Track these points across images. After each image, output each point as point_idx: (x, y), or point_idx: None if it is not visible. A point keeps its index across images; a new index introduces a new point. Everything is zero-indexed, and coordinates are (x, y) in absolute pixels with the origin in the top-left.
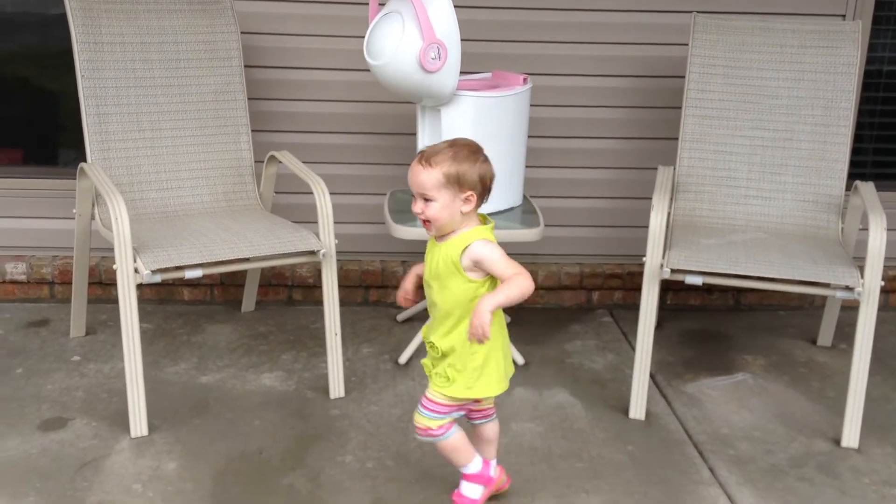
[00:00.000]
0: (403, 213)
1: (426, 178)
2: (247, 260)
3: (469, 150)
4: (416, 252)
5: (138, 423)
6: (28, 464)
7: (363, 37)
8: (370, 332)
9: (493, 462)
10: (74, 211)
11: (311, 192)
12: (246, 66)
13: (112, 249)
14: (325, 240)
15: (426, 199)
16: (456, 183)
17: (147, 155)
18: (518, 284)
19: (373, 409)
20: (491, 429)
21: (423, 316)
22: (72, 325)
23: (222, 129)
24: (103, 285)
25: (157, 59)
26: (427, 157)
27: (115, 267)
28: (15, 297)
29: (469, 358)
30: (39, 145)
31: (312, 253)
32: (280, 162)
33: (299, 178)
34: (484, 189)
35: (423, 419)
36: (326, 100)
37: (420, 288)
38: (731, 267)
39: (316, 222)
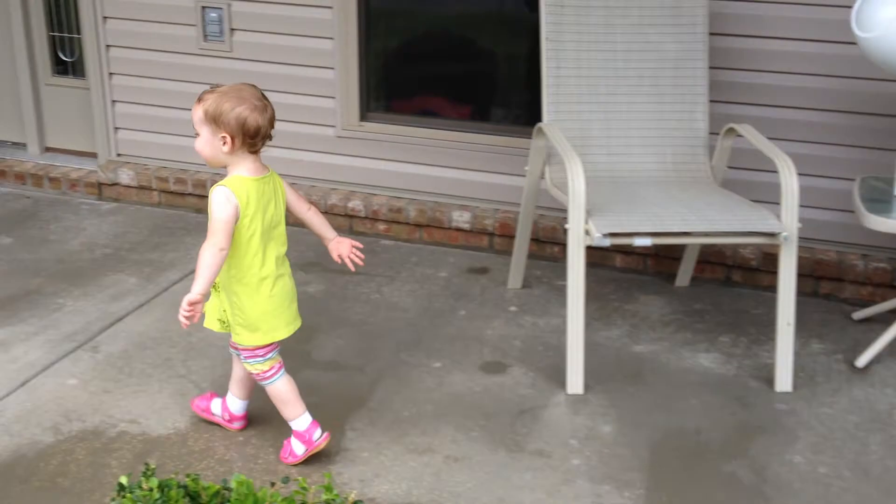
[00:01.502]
0: (880, 202)
1: (193, 112)
2: (689, 234)
3: (241, 93)
4: (884, 247)
5: (575, 381)
6: (472, 400)
7: (850, 7)
8: (820, 328)
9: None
10: (526, 168)
11: (767, 170)
12: (710, 34)
13: (553, 208)
14: (788, 222)
15: (197, 133)
16: (213, 122)
17: (599, 119)
18: (200, 259)
19: (825, 410)
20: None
21: (885, 318)
22: (510, 276)
23: (678, 97)
24: (539, 242)
25: (619, 24)
26: (202, 93)
27: (566, 227)
28: (458, 243)
29: (234, 316)
30: (489, 103)
31: (772, 235)
32: (738, 135)
33: (753, 153)
34: (245, 134)
35: (249, 366)
36: (797, 73)
37: None
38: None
39: (768, 202)
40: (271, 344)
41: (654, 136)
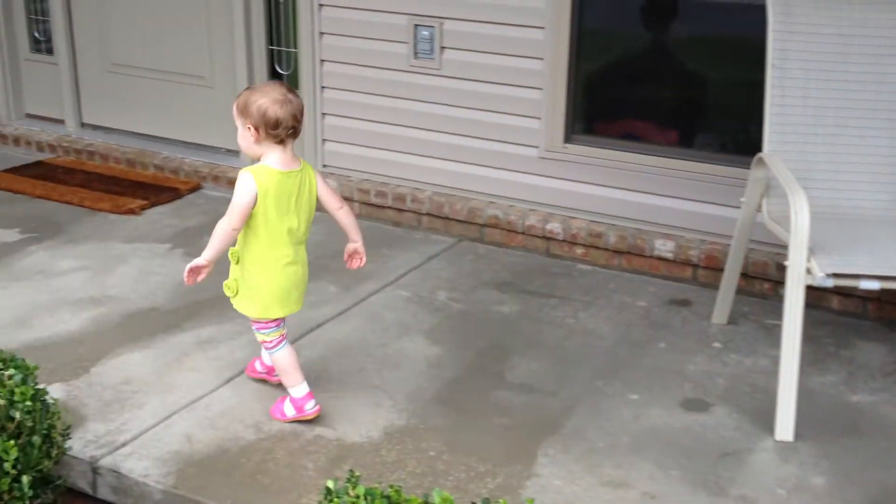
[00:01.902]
0: None
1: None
2: None
3: (268, 87)
4: None
5: (785, 427)
6: (671, 437)
7: None
8: None
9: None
10: (742, 199)
11: None
12: None
13: (767, 243)
14: None
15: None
16: (242, 114)
17: (824, 151)
18: (214, 232)
19: None
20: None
21: None
22: (715, 310)
23: None
24: (748, 277)
25: (854, 53)
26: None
27: (784, 263)
28: (659, 272)
29: (240, 286)
30: (699, 129)
31: None
32: None
33: None
34: (266, 125)
35: (257, 335)
36: None
37: None
38: None
39: None
40: (276, 320)
41: (886, 172)
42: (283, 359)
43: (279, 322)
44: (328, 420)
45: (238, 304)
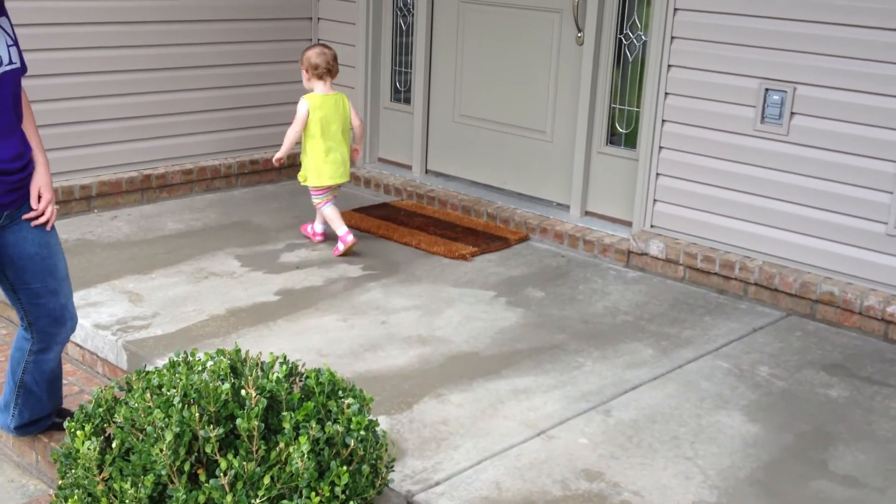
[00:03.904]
0: None
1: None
2: None
3: (314, 47)
4: None
5: None
6: None
7: None
8: None
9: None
10: None
11: None
12: None
13: None
14: None
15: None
16: (301, 64)
17: None
18: (286, 136)
19: None
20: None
21: None
22: None
23: None
24: None
25: None
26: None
27: None
28: None
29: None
30: None
31: None
32: None
33: None
34: (309, 66)
35: (313, 199)
36: None
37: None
38: None
39: None
40: (321, 188)
41: None
42: (329, 212)
43: (327, 189)
44: (637, 485)
45: (306, 182)
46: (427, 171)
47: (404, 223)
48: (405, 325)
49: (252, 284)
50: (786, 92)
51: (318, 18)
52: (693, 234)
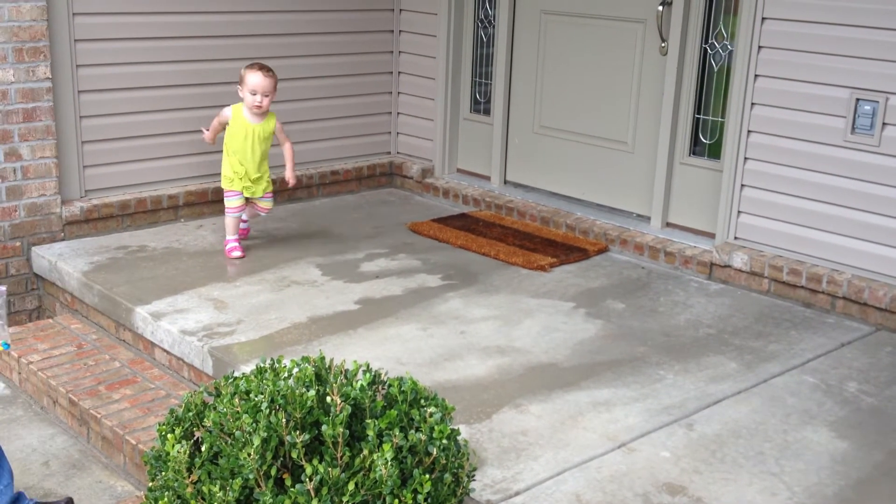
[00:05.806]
0: None
1: (270, 82)
2: None
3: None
4: None
5: None
6: None
7: None
8: None
9: None
10: None
11: None
12: None
13: None
14: None
15: (266, 96)
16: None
17: None
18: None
19: None
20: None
21: None
22: None
23: None
24: None
25: None
26: (267, 69)
27: None
28: None
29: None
30: None
31: None
32: None
33: None
34: (243, 83)
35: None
36: None
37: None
38: None
39: None
40: (236, 192)
41: None
42: (228, 222)
43: (239, 193)
44: (721, 501)
45: (223, 182)
46: (506, 182)
47: (483, 234)
48: (484, 335)
49: (333, 293)
50: (878, 102)
51: (400, 31)
52: (778, 247)
